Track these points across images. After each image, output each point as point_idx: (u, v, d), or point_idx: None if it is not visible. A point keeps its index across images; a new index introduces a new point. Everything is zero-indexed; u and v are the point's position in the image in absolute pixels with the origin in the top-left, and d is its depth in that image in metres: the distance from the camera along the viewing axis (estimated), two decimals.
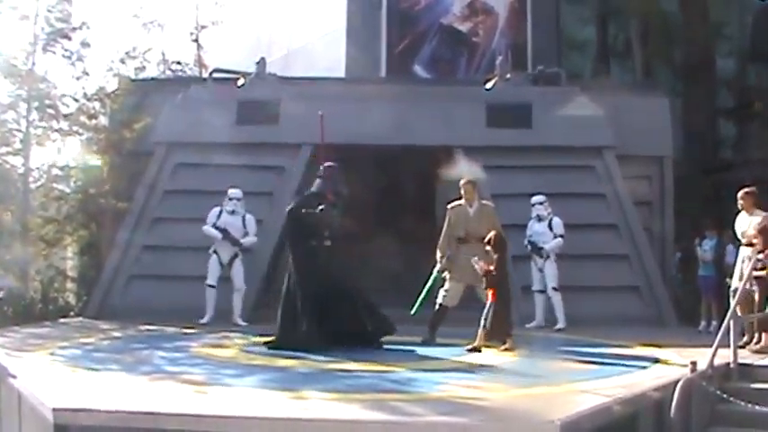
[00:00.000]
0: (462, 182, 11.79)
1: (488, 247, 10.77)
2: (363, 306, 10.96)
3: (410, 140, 15.74)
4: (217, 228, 14.22)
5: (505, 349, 10.38)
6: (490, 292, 10.56)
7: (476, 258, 10.72)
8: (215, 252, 14.26)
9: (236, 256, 14.29)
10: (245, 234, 14.42)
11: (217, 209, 14.40)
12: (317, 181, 11.38)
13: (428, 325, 11.39)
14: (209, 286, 14.11)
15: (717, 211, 13.94)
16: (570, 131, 16.02)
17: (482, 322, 10.44)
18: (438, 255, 11.55)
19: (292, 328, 10.67)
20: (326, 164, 11.43)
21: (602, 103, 16.56)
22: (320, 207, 10.89)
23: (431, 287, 11.66)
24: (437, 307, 11.43)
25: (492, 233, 10.87)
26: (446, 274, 11.49)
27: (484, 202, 11.87)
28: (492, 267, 10.60)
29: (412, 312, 11.66)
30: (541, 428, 6.06)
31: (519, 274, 13.73)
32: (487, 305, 10.52)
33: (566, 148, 15.96)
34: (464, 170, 11.65)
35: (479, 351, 10.28)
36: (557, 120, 16.23)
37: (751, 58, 24.34)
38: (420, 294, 11.65)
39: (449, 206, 11.82)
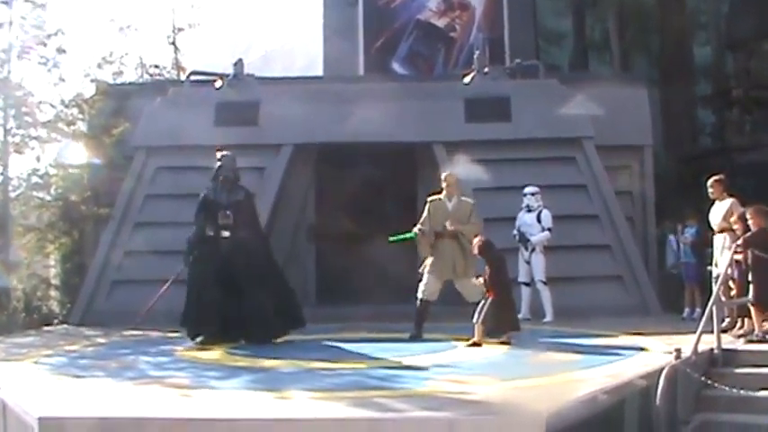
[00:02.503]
0: (445, 174, 11.78)
1: (476, 251, 10.80)
2: (268, 299, 11.13)
3: (389, 138, 15.72)
4: None
5: (501, 342, 10.37)
6: (488, 291, 10.56)
7: (480, 280, 10.73)
8: None
9: None
10: None
11: None
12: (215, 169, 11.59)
13: (414, 321, 11.38)
14: None
15: (697, 199, 13.99)
16: (549, 123, 16.08)
17: (476, 317, 10.44)
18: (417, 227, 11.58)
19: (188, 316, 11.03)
20: (221, 152, 11.63)
21: (580, 95, 16.60)
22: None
23: (404, 236, 11.65)
24: (418, 302, 11.42)
25: (476, 240, 10.88)
26: (425, 268, 11.45)
27: (464, 198, 11.84)
28: (486, 276, 10.61)
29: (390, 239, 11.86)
30: (528, 421, 6.07)
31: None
32: (483, 300, 10.51)
33: (545, 140, 16.02)
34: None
35: (480, 346, 10.26)
36: (536, 112, 16.28)
37: (728, 45, 24.46)
38: (400, 234, 11.69)
39: (429, 198, 11.81)
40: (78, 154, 18.12)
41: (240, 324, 11.01)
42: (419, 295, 11.43)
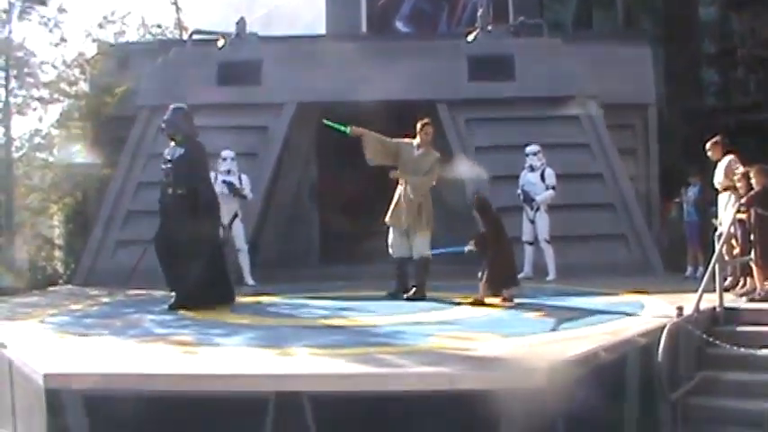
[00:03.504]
0: (423, 123, 11.51)
1: (474, 212, 10.81)
2: (204, 266, 10.54)
3: (393, 96, 15.66)
4: (224, 182, 14.06)
5: (503, 300, 10.40)
6: (489, 248, 10.53)
7: (470, 245, 10.68)
8: None
9: (235, 216, 14.19)
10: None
11: (211, 173, 14.29)
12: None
13: (395, 279, 11.37)
14: None
15: (701, 158, 13.95)
16: (553, 82, 16.01)
17: (480, 275, 10.45)
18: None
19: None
20: (173, 105, 11.17)
21: (584, 53, 16.52)
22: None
23: (341, 126, 11.47)
24: (395, 263, 11.39)
25: (475, 196, 10.87)
26: (387, 220, 11.39)
27: (434, 151, 11.54)
28: (486, 234, 10.60)
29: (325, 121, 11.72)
30: (529, 375, 6.10)
31: (508, 226, 13.76)
32: (487, 259, 10.50)
33: (549, 98, 15.94)
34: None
35: (482, 304, 10.27)
36: (539, 71, 16.20)
37: (733, 4, 24.26)
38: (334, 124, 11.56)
39: (404, 139, 11.54)
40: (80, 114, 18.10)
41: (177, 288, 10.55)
42: (391, 253, 11.41)
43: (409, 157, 11.34)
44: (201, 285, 10.40)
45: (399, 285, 11.32)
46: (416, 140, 11.45)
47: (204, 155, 11.11)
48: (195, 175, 10.79)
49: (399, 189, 11.37)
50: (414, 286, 11.13)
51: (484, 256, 10.58)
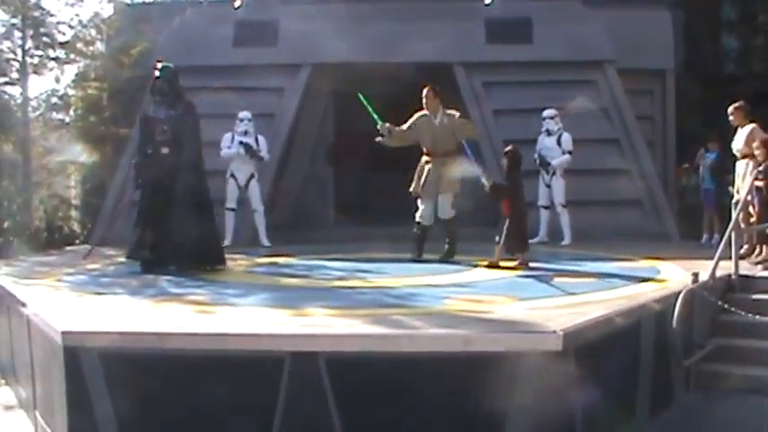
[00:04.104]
0: (425, 90, 11.32)
1: (504, 160, 10.65)
2: (195, 227, 10.20)
3: (409, 58, 15.61)
4: (241, 143, 14.08)
5: (519, 264, 10.39)
6: (504, 207, 10.50)
7: (484, 179, 10.61)
8: (232, 176, 14.18)
9: (251, 177, 14.22)
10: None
11: (229, 134, 14.30)
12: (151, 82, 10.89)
13: (414, 243, 11.32)
14: (230, 209, 14.08)
15: (719, 125, 13.87)
16: (571, 46, 15.93)
17: (497, 238, 10.44)
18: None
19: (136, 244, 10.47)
20: (161, 63, 10.88)
21: (603, 17, 16.41)
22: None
23: (374, 113, 11.35)
24: (416, 228, 11.36)
25: (509, 147, 10.75)
26: (412, 190, 11.32)
27: (449, 111, 11.38)
28: (505, 191, 10.55)
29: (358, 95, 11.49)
30: (544, 339, 6.10)
31: (525, 190, 13.73)
32: (503, 221, 10.47)
33: (567, 62, 15.88)
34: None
35: (498, 267, 10.27)
36: (557, 34, 16.12)
37: None
38: (368, 106, 11.40)
39: (418, 114, 11.37)
40: (97, 74, 18.08)
41: (168, 250, 10.27)
42: (417, 219, 11.35)
43: (429, 128, 11.20)
44: (190, 245, 10.14)
45: (421, 249, 11.28)
46: (427, 110, 11.28)
47: (197, 116, 10.87)
48: (196, 136, 10.63)
49: (424, 159, 11.26)
50: (448, 245, 11.13)
51: (497, 200, 10.54)
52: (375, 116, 11.33)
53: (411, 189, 11.38)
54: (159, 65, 10.79)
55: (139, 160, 10.56)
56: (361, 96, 11.49)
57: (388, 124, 11.26)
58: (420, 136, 11.26)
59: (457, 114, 11.51)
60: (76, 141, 18.22)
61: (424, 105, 11.27)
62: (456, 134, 11.15)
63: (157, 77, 10.63)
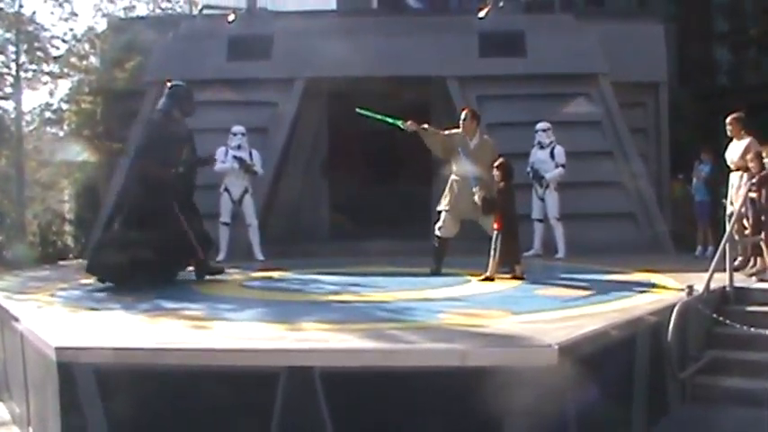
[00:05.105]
0: (465, 112, 11.32)
1: (495, 172, 10.54)
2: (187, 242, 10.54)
3: (403, 72, 15.64)
4: (235, 157, 14.07)
5: (514, 277, 10.38)
6: (496, 221, 10.50)
7: (476, 188, 10.62)
8: (226, 190, 14.16)
9: (245, 191, 14.21)
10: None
11: (222, 148, 14.29)
12: (162, 99, 10.95)
13: (433, 257, 11.29)
14: (224, 224, 14.03)
15: (712, 137, 13.92)
16: (564, 59, 15.94)
17: (492, 252, 10.44)
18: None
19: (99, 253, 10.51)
20: (173, 82, 11.05)
21: (596, 30, 16.44)
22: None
23: (387, 118, 11.29)
24: (436, 240, 11.34)
25: (501, 159, 10.69)
26: (442, 207, 11.34)
27: (486, 137, 11.41)
28: (486, 194, 10.52)
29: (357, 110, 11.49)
30: (539, 353, 6.11)
31: (518, 203, 13.74)
32: (495, 234, 10.48)
33: (560, 75, 15.89)
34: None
35: (492, 280, 10.24)
36: (550, 48, 16.13)
37: None
38: (377, 115, 11.37)
39: (453, 130, 11.28)
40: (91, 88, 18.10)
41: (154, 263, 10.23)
42: (436, 233, 11.34)
43: (466, 149, 11.08)
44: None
45: (439, 263, 11.23)
46: (463, 130, 11.18)
47: None
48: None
49: (453, 178, 11.15)
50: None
51: (487, 213, 10.52)
52: (390, 120, 11.28)
53: (440, 207, 11.28)
54: (171, 83, 10.94)
55: (173, 179, 10.61)
56: (360, 111, 11.48)
57: (410, 122, 11.21)
58: (453, 151, 11.16)
59: (492, 141, 11.44)
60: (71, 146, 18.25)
61: (462, 126, 11.20)
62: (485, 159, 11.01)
63: (185, 97, 10.79)
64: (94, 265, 10.49)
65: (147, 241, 10.00)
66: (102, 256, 10.41)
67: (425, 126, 11.23)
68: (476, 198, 10.57)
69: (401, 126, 11.23)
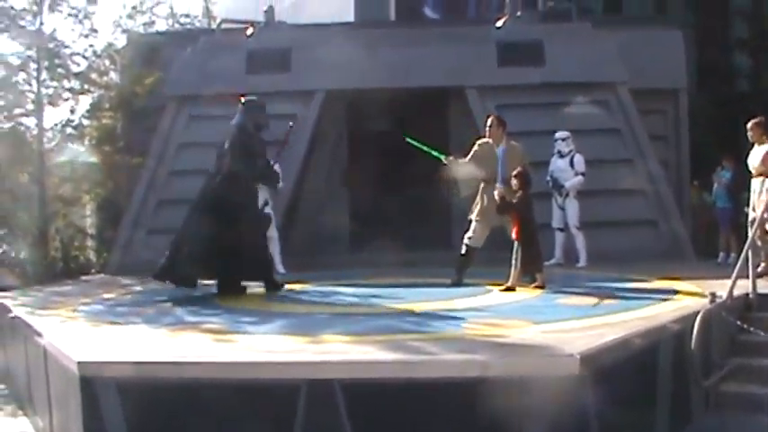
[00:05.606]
0: (490, 119, 11.43)
1: (514, 181, 10.53)
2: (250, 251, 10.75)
3: (422, 83, 15.67)
4: None
5: (536, 286, 10.36)
6: (514, 230, 10.48)
7: (499, 186, 10.57)
8: None
9: (266, 204, 14.21)
10: None
11: None
12: (237, 115, 11.13)
13: (455, 267, 11.26)
14: None
15: (732, 143, 13.86)
16: (583, 67, 15.92)
17: (513, 262, 10.41)
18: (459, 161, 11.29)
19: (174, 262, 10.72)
20: (247, 97, 11.25)
21: (614, 38, 16.41)
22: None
23: (433, 151, 11.39)
24: (464, 249, 11.26)
25: (519, 168, 10.67)
26: (474, 216, 11.26)
27: (513, 143, 11.38)
28: (507, 197, 10.50)
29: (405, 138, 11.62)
30: (561, 362, 6.07)
31: (538, 212, 13.70)
32: (515, 243, 10.46)
33: (579, 84, 15.86)
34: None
35: (514, 290, 10.22)
36: (569, 56, 16.11)
37: None
38: (423, 146, 11.47)
39: (479, 141, 11.42)
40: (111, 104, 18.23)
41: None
42: (465, 242, 11.30)
43: (491, 156, 11.12)
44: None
45: (461, 273, 11.19)
46: (490, 139, 11.27)
47: None
48: None
49: (483, 186, 11.15)
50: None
51: (503, 214, 10.55)
52: (435, 153, 11.35)
53: (471, 216, 11.28)
54: (245, 98, 11.18)
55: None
56: (409, 139, 11.54)
57: (452, 157, 11.29)
58: (480, 163, 11.18)
59: (520, 147, 11.46)
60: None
61: (488, 134, 11.28)
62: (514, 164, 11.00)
63: (258, 111, 11.08)
64: (170, 273, 10.72)
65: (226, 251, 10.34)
66: (178, 264, 10.63)
67: (462, 161, 11.24)
68: (495, 194, 10.54)
69: (443, 160, 11.29)
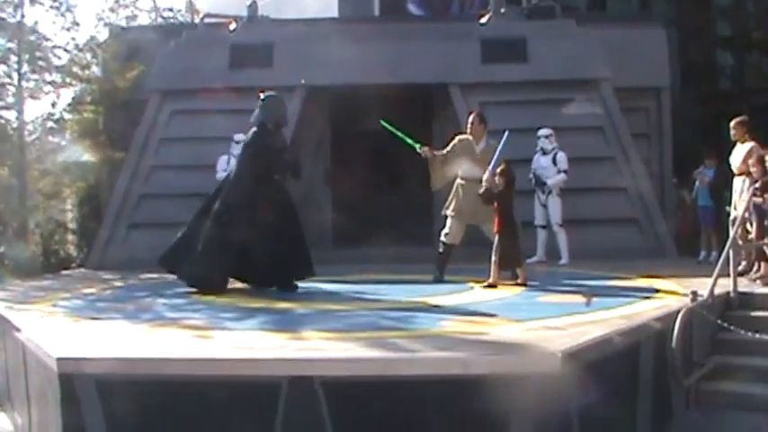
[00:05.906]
0: (472, 115, 11.47)
1: (498, 179, 10.47)
2: (290, 246, 10.68)
3: (405, 79, 15.64)
4: None
5: (518, 284, 10.36)
6: (496, 226, 10.46)
7: (487, 174, 10.47)
8: None
9: None
10: None
11: (224, 156, 14.28)
12: (256, 111, 10.91)
13: (435, 264, 11.28)
14: None
15: (715, 141, 13.91)
16: (566, 65, 15.93)
17: (493, 258, 10.40)
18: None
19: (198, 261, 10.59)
20: (267, 93, 11.01)
21: (598, 36, 16.42)
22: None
23: (407, 138, 11.36)
24: (441, 246, 11.31)
25: (502, 164, 10.62)
26: (449, 212, 11.27)
27: (492, 141, 11.26)
28: (496, 207, 10.48)
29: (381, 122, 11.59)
30: (543, 360, 6.07)
31: (520, 210, 13.70)
32: (496, 240, 10.45)
33: (562, 81, 15.88)
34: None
35: (495, 287, 10.23)
36: (553, 53, 16.12)
37: None
38: (397, 131, 11.43)
39: (458, 137, 11.45)
40: (93, 98, 18.12)
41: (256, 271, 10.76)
42: (442, 239, 11.32)
43: (473, 154, 11.16)
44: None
45: (442, 270, 11.21)
46: (470, 135, 11.30)
47: None
48: None
49: (459, 182, 11.18)
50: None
51: (486, 203, 10.50)
52: (409, 141, 11.35)
53: (445, 211, 11.31)
54: (263, 95, 10.92)
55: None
56: (384, 124, 11.51)
57: (426, 147, 11.30)
58: (456, 159, 11.20)
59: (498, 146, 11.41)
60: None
61: (469, 131, 11.31)
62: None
63: (277, 108, 10.88)
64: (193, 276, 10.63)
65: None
66: (199, 267, 10.54)
67: (438, 153, 11.27)
68: (479, 191, 10.51)
69: (417, 149, 11.28)
